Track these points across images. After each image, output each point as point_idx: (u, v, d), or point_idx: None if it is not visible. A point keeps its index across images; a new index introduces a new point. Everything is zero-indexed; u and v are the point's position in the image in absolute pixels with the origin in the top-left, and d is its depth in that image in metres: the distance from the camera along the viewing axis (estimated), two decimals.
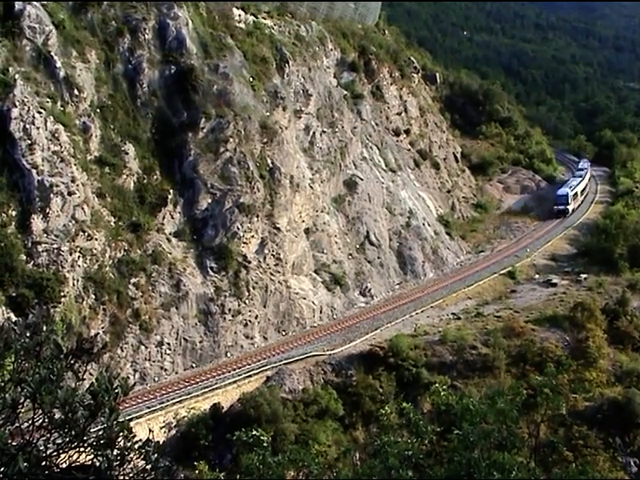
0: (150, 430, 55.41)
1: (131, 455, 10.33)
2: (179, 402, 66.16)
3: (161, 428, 62.91)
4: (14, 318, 59.97)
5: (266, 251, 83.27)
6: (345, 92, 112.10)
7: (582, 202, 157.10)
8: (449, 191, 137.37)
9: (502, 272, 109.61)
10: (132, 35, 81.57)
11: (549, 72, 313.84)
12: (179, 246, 77.65)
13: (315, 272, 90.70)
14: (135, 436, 10.23)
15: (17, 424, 9.84)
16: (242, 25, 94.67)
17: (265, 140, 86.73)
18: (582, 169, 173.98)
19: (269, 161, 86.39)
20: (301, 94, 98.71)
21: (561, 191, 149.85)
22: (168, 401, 65.71)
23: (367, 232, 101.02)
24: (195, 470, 55.53)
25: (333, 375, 75.18)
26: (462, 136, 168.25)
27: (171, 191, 78.60)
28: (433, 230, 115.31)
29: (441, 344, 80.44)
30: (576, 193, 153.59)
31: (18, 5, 73.75)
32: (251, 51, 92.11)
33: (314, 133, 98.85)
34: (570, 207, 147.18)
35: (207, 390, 68.41)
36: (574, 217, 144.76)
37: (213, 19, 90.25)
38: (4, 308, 63.35)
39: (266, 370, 73.12)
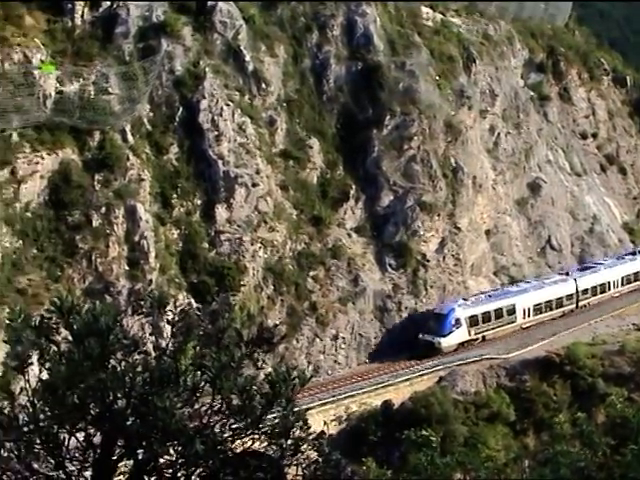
0: (325, 423, 55.74)
1: (305, 446, 10.39)
2: (351, 396, 66.49)
3: (331, 421, 63.31)
4: (194, 304, 61.37)
5: (446, 250, 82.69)
6: (532, 93, 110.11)
7: None
8: (635, 198, 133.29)
9: None
10: (320, 31, 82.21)
11: None
12: (359, 241, 77.95)
13: (494, 274, 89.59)
14: (310, 427, 10.30)
15: (196, 407, 10.03)
16: (430, 23, 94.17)
17: (449, 139, 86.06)
18: None
19: (452, 160, 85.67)
20: (487, 94, 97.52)
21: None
22: (340, 395, 66.12)
23: (549, 236, 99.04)
24: (362, 466, 55.52)
25: (507, 379, 74.04)
26: None
27: (353, 186, 78.92)
28: (617, 237, 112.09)
29: (619, 354, 78.06)
30: None
31: (211, 1, 75.54)
32: (438, 49, 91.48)
33: (499, 134, 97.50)
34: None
35: (379, 386, 68.51)
36: None
37: (401, 16, 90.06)
38: (185, 293, 65.11)
39: (439, 370, 72.68)
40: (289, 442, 10.24)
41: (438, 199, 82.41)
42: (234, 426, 10.16)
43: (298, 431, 10.27)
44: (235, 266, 67.82)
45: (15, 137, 63.51)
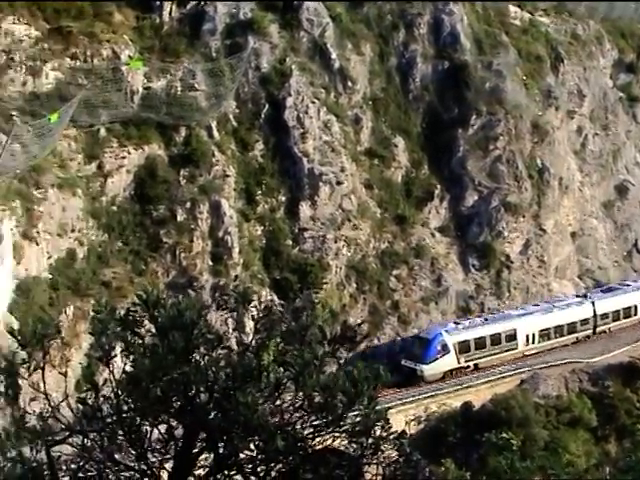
0: (407, 422, 55.67)
1: (385, 445, 10.35)
2: (431, 397, 66.23)
3: (410, 421, 63.11)
4: (277, 301, 61.65)
5: (530, 252, 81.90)
6: (621, 94, 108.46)
7: None
8: None
9: None
10: (407, 29, 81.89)
11: None
12: (442, 241, 77.60)
13: (579, 277, 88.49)
14: (391, 427, 10.26)
15: (277, 403, 10.05)
16: (517, 22, 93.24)
17: (536, 140, 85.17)
18: None
19: (539, 161, 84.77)
20: (575, 94, 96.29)
21: None
22: (420, 395, 65.91)
23: (635, 240, 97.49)
24: (441, 467, 55.28)
25: (589, 384, 73.04)
26: None
27: (438, 186, 78.55)
28: None
29: None
30: None
31: (297, 0, 75.82)
32: (525, 49, 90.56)
33: (586, 135, 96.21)
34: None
35: (460, 387, 68.13)
36: None
37: (488, 15, 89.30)
38: (268, 290, 65.45)
39: (521, 373, 72.01)
40: (370, 441, 10.21)
41: (523, 200, 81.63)
42: (315, 423, 10.16)
43: (379, 430, 10.23)
44: (318, 263, 68.03)
45: (103, 132, 64.46)
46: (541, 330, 77.18)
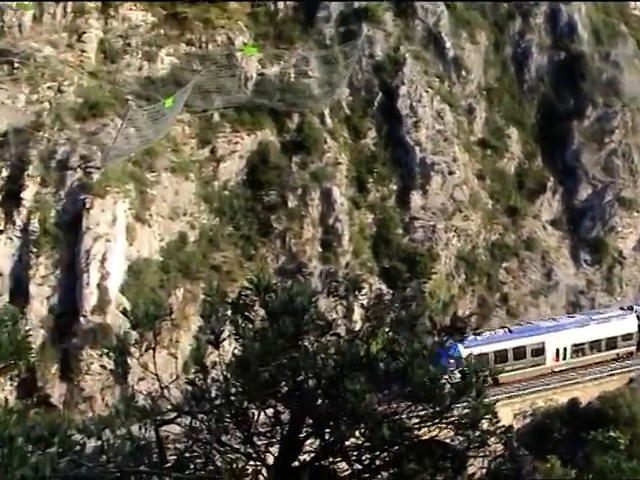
0: (515, 416, 55.13)
1: (492, 439, 10.24)
2: (537, 392, 65.47)
3: (516, 415, 62.52)
4: (385, 289, 61.59)
5: None
6: None
7: None
8: None
9: None
10: (523, 19, 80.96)
11: None
12: (554, 235, 76.59)
13: None
14: (499, 421, 10.14)
15: (385, 392, 10.01)
16: (637, 12, 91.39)
17: None
18: None
19: None
20: None
21: None
22: (527, 389, 65.21)
23: None
24: (546, 463, 54.65)
25: None
26: None
27: (551, 178, 77.54)
28: None
29: None
30: None
31: None
32: None
33: None
34: None
35: (567, 383, 67.15)
36: None
37: (607, 6, 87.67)
38: (377, 278, 65.40)
39: (630, 371, 70.64)
40: (476, 434, 10.11)
41: (638, 195, 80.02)
42: (421, 413, 10.10)
43: (486, 423, 10.12)
44: (427, 253, 67.77)
45: (216, 117, 65.17)
46: (574, 345, 70.36)
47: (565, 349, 69.73)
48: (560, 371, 69.04)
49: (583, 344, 70.38)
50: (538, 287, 73.07)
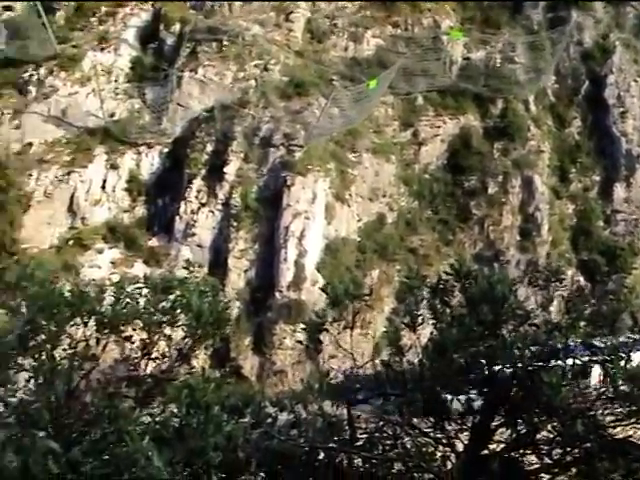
0: None
1: None
2: None
3: None
4: (583, 282, 60.41)
5: None
6: None
7: None
8: None
9: None
10: None
11: None
12: None
13: None
14: None
15: (581, 387, 9.86)
16: None
17: None
18: None
19: None
20: None
21: None
22: None
23: None
24: None
25: None
26: None
27: None
28: None
29: None
30: None
31: None
32: None
33: None
34: None
35: None
36: None
37: None
38: (575, 270, 64.10)
39: None
40: None
41: None
42: (617, 411, 9.90)
43: None
44: (628, 247, 65.90)
45: (420, 100, 65.04)
46: None
47: None
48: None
49: None
50: None
